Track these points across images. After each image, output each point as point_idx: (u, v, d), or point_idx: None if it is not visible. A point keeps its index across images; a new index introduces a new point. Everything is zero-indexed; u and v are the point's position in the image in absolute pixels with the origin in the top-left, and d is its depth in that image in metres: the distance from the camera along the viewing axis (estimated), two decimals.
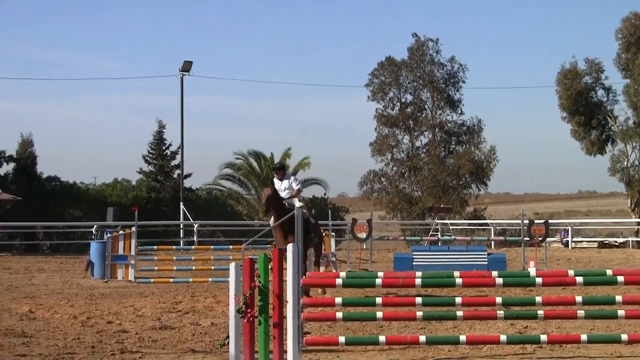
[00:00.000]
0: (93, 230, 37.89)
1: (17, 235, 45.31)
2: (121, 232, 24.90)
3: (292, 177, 20.01)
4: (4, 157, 50.43)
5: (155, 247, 27.69)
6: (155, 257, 26.64)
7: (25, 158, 50.64)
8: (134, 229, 24.39)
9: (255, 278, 10.82)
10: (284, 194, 19.03)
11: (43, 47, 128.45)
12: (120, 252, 24.02)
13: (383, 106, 59.50)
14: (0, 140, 47.19)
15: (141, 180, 54.36)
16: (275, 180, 19.57)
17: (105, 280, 23.84)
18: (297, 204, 18.84)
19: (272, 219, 18.67)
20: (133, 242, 23.97)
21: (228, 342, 10.94)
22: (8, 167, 51.13)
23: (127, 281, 23.64)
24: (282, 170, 20.10)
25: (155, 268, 24.73)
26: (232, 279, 10.90)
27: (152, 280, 23.45)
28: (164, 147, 54.59)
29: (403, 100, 59.82)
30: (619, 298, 11.28)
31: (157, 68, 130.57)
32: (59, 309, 17.25)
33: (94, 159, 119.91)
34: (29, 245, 44.09)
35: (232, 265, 10.98)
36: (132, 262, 23.85)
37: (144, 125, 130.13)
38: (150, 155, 54.63)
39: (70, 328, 14.90)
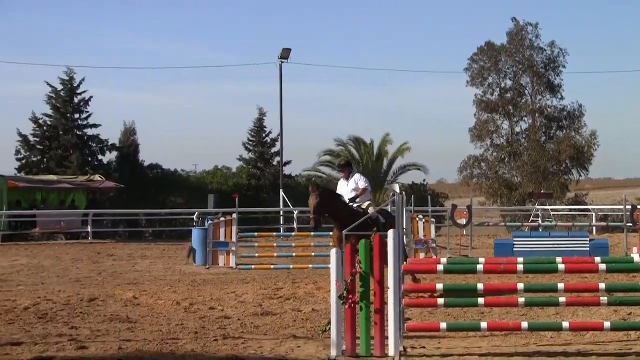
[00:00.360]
0: (194, 217, 38.35)
1: (120, 223, 46.16)
2: (222, 219, 25.11)
3: (357, 175, 18.70)
4: (107, 145, 51.34)
5: (256, 234, 27.91)
6: (256, 244, 26.83)
7: (128, 146, 51.48)
8: (235, 215, 24.57)
9: (357, 264, 10.83)
10: (350, 195, 18.03)
11: (145, 37, 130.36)
12: (222, 239, 24.25)
13: (482, 92, 58.82)
14: (104, 129, 48.00)
15: (241, 167, 54.84)
16: (341, 181, 18.75)
17: (207, 267, 24.10)
18: (365, 204, 17.96)
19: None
20: (234, 229, 24.17)
21: (329, 328, 10.98)
22: (111, 156, 52.12)
23: (229, 268, 23.85)
24: (347, 168, 19.00)
25: (256, 255, 24.89)
26: (333, 265, 10.92)
27: (253, 266, 23.61)
28: (264, 135, 54.99)
29: (503, 85, 59.03)
30: None
31: (257, 56, 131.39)
32: (162, 295, 17.50)
33: (195, 147, 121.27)
34: (132, 232, 44.82)
35: (333, 252, 11.00)
36: (234, 248, 24.05)
37: (244, 113, 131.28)
38: (251, 142, 55.07)
39: (174, 314, 15.12)
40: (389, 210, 19.26)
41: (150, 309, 15.75)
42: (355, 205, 17.82)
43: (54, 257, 28.73)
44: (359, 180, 18.27)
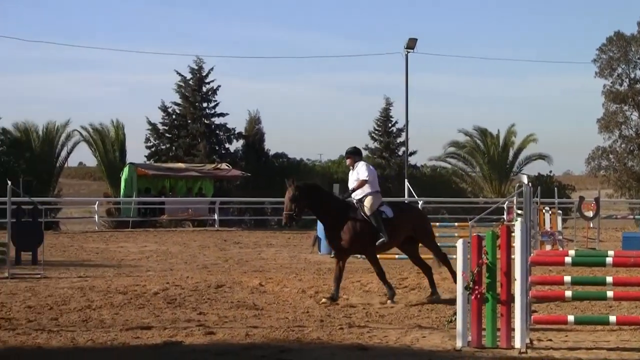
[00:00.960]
0: None
1: (246, 211, 46.72)
2: None
3: (360, 164, 16.20)
4: (234, 134, 52.01)
5: None
6: None
7: (254, 135, 52.04)
8: None
9: (483, 255, 10.76)
10: (353, 185, 15.99)
11: (271, 27, 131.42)
12: None
13: (611, 82, 57.59)
14: (230, 118, 48.71)
15: (366, 157, 54.95)
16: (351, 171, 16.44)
17: (332, 255, 24.17)
18: (366, 199, 15.78)
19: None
20: None
21: (455, 318, 10.93)
22: (238, 144, 52.77)
23: (353, 257, 23.88)
24: (353, 156, 16.40)
25: None
26: (459, 255, 10.87)
27: (377, 256, 23.56)
28: (389, 124, 55.03)
29: (632, 76, 57.72)
30: None
31: (383, 46, 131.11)
32: (288, 283, 17.67)
33: (320, 136, 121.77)
34: (258, 220, 45.29)
35: (459, 242, 10.95)
36: None
37: (371, 103, 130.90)
38: (377, 132, 55.19)
39: (299, 302, 15.25)
40: (406, 203, 18.30)
41: (276, 296, 15.92)
42: (353, 199, 16.02)
43: (181, 244, 29.30)
44: (360, 170, 16.05)
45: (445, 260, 16.34)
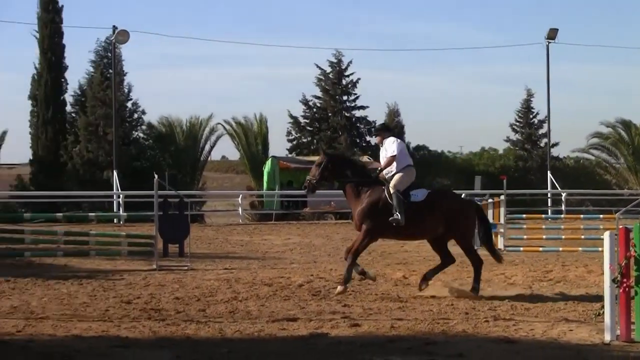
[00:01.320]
0: None
1: None
2: (490, 200, 24.99)
3: (389, 140, 15.57)
4: (374, 126, 52.03)
5: (524, 215, 27.60)
6: (524, 226, 26.53)
7: (393, 127, 52.00)
8: (502, 197, 24.40)
9: (631, 247, 10.55)
10: (383, 162, 15.46)
11: (409, 19, 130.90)
12: (490, 220, 24.14)
13: None
14: (370, 111, 49.01)
15: (508, 148, 54.40)
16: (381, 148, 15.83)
17: (475, 248, 24.02)
18: (395, 176, 15.17)
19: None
20: (502, 210, 24.00)
21: (603, 312, 10.76)
22: None
23: (497, 249, 23.71)
24: (382, 133, 15.99)
25: (524, 237, 24.61)
26: (606, 248, 10.69)
27: (521, 248, 23.36)
28: (531, 116, 54.31)
29: None
30: None
31: (524, 36, 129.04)
32: None
33: (460, 128, 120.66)
34: None
35: (606, 234, 10.76)
36: (502, 230, 23.89)
37: (511, 94, 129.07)
38: (518, 123, 54.54)
39: (444, 294, 15.19)
40: (454, 194, 17.11)
41: (419, 288, 15.89)
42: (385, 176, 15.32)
43: (324, 236, 29.54)
44: (388, 147, 15.40)
45: (478, 266, 15.49)
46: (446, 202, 15.59)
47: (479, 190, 38.53)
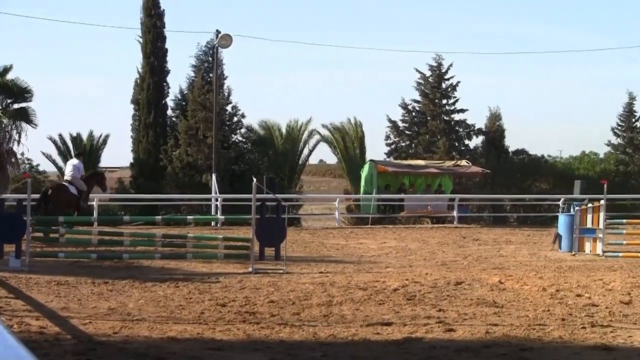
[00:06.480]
0: (560, 203, 37.89)
1: (485, 208, 46.46)
2: (589, 205, 24.64)
3: None
4: (474, 130, 51.66)
5: (624, 220, 27.12)
6: (624, 231, 26.06)
7: (494, 131, 51.51)
8: (602, 202, 24.02)
9: None
10: None
11: (509, 21, 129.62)
12: (589, 225, 23.83)
13: None
14: (470, 114, 48.72)
15: (609, 153, 53.47)
16: None
17: (573, 253, 23.76)
18: None
19: None
20: (602, 215, 23.64)
21: None
22: (477, 141, 52.38)
23: (595, 255, 23.41)
24: None
25: (624, 242, 24.21)
26: None
27: (620, 254, 23.00)
28: (633, 120, 53.28)
29: None
30: None
31: (626, 39, 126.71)
32: (528, 280, 17.42)
33: (560, 132, 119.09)
34: (497, 217, 44.88)
35: None
36: (601, 235, 23.54)
37: (612, 98, 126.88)
38: (619, 127, 53.54)
39: (540, 300, 15.03)
40: None
41: (515, 293, 15.74)
42: None
43: (420, 240, 29.43)
44: None
45: None
46: None
47: (579, 194, 37.90)
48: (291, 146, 48.80)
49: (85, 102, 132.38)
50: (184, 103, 48.31)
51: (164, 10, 47.62)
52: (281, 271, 18.99)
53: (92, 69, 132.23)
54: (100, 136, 46.44)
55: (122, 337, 11.39)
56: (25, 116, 37.73)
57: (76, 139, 45.45)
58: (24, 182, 21.43)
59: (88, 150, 44.75)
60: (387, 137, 51.80)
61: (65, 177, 27.96)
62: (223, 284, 16.93)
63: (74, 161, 28.11)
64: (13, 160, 37.71)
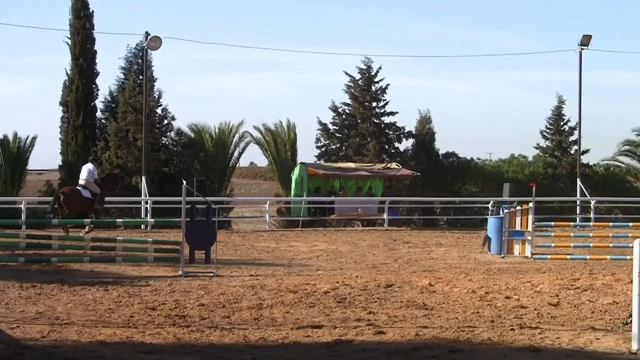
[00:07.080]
0: (489, 205, 38.26)
1: (415, 210, 46.69)
2: (518, 207, 24.90)
3: None
4: (404, 133, 51.87)
5: (552, 223, 27.46)
6: (552, 234, 26.39)
7: (424, 134, 51.78)
8: (531, 204, 24.28)
9: None
10: None
11: (438, 25, 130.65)
12: (518, 227, 24.09)
13: None
14: (400, 117, 48.84)
15: (538, 156, 54.07)
16: None
17: (502, 255, 23.99)
18: None
19: None
20: (530, 217, 23.91)
21: (631, 320, 10.66)
22: (407, 143, 52.58)
23: (524, 257, 23.65)
24: None
25: (552, 244, 24.51)
26: (636, 256, 10.58)
27: (548, 256, 23.29)
28: (562, 123, 53.94)
29: None
30: None
31: (556, 43, 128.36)
32: (457, 283, 17.53)
33: (490, 135, 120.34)
34: (427, 220, 45.12)
35: (636, 242, 10.64)
36: (529, 238, 23.81)
37: (541, 101, 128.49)
38: (548, 130, 54.16)
39: (469, 302, 15.14)
40: None
41: (445, 296, 15.84)
42: None
43: (350, 243, 29.47)
44: None
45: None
46: None
47: (508, 197, 38.29)
48: (222, 149, 48.56)
49: (11, 103, 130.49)
50: (113, 105, 47.90)
51: (93, 11, 47.17)
52: (211, 274, 18.89)
53: (18, 70, 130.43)
54: (27, 138, 45.83)
55: (51, 341, 11.23)
56: None
57: (3, 141, 44.77)
58: None
59: (15, 152, 44.17)
60: (318, 140, 51.78)
61: (80, 181, 29.19)
62: (153, 287, 16.79)
63: (89, 166, 29.72)
64: None
